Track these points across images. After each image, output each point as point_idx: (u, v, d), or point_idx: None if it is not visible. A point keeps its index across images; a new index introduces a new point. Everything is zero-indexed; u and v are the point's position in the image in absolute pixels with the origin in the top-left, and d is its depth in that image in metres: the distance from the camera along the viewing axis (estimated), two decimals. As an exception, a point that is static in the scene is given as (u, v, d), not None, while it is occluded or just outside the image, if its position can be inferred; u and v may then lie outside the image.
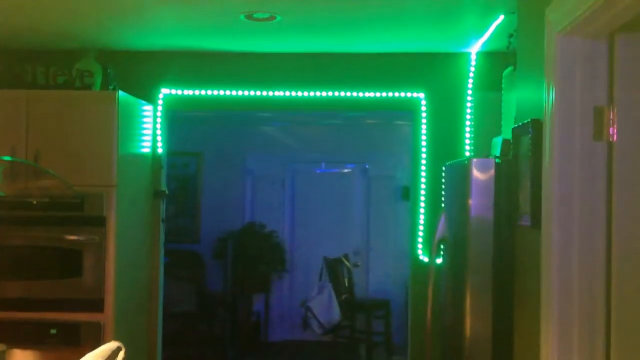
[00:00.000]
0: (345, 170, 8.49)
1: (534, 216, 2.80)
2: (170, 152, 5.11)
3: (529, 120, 2.86)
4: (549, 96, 2.66)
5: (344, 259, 7.78)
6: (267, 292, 8.12)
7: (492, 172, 3.32)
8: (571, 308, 2.59)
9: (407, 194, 7.87)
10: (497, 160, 3.39)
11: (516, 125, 3.15)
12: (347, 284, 7.68)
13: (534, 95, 2.91)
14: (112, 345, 2.32)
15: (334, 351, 7.60)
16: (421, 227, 4.96)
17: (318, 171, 8.47)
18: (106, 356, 2.29)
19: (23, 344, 3.65)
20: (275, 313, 8.23)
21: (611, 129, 2.57)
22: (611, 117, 2.57)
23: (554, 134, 2.61)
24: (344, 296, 7.56)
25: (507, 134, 3.95)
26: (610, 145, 2.58)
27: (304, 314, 7.52)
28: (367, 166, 8.38)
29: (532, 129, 2.82)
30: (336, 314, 7.43)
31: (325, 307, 7.44)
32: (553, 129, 2.61)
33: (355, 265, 8.06)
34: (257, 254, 7.89)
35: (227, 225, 7.96)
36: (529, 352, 2.98)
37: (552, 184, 2.61)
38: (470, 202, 3.35)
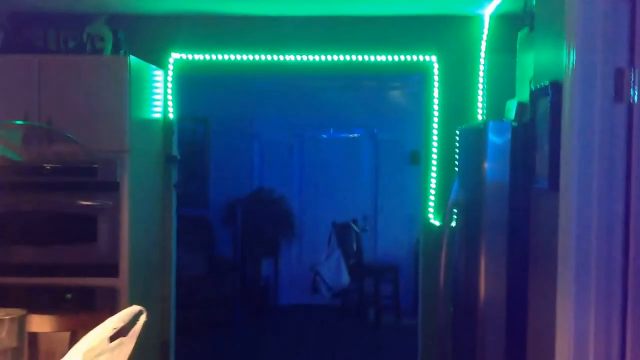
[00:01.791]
0: (354, 135, 8.47)
1: (552, 179, 2.79)
2: (179, 117, 5.09)
3: (548, 82, 2.84)
4: (569, 58, 2.63)
5: (352, 224, 7.80)
6: (276, 257, 8.17)
7: (508, 135, 3.31)
8: (588, 270, 2.59)
9: (416, 158, 7.86)
10: (513, 123, 3.37)
11: (534, 88, 3.12)
12: (355, 249, 7.72)
13: (553, 57, 2.88)
14: (133, 309, 2.32)
15: (343, 315, 7.66)
16: (432, 191, 4.96)
17: (326, 136, 8.44)
18: (128, 320, 2.30)
19: (39, 309, 3.67)
20: (284, 277, 8.28)
21: (632, 90, 2.54)
22: (632, 78, 2.54)
23: (574, 96, 2.59)
24: (352, 261, 7.61)
25: (522, 97, 3.93)
26: (630, 107, 2.56)
27: (313, 278, 7.56)
28: (375, 131, 8.35)
29: (551, 91, 2.80)
30: (345, 278, 7.48)
31: (334, 272, 7.49)
32: (573, 90, 2.59)
33: (364, 230, 8.09)
34: (265, 219, 7.91)
35: (235, 191, 7.97)
36: (544, 314, 2.99)
37: (572, 145, 2.59)
38: (486, 165, 3.34)
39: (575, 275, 2.57)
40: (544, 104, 2.92)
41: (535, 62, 3.31)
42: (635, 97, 2.54)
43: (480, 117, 4.81)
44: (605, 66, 2.57)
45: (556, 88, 2.78)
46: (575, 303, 2.57)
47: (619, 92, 2.55)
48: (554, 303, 2.76)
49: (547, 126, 2.87)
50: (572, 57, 2.61)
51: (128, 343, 2.25)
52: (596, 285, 2.59)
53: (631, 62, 2.55)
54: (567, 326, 2.62)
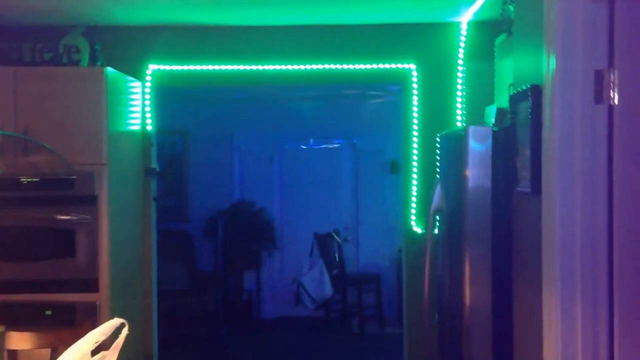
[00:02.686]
0: (334, 145, 8.46)
1: (534, 182, 2.79)
2: (157, 130, 5.05)
3: (529, 86, 2.84)
4: (549, 61, 2.64)
5: (334, 234, 7.78)
6: (258, 269, 8.11)
7: (489, 140, 3.30)
8: (574, 273, 2.58)
9: (396, 167, 7.88)
10: (494, 128, 3.37)
11: (514, 92, 3.13)
12: (337, 259, 7.69)
13: (533, 61, 2.89)
14: (115, 322, 2.27)
15: (327, 326, 7.62)
16: (414, 199, 4.95)
17: (306, 147, 8.43)
18: (110, 333, 2.25)
19: (19, 325, 3.61)
20: (266, 290, 8.22)
21: (612, 91, 2.55)
22: (612, 80, 2.55)
23: (554, 99, 2.59)
24: (334, 271, 7.58)
25: (501, 102, 3.94)
26: (611, 108, 2.56)
27: (296, 290, 7.52)
28: (355, 140, 8.35)
29: (531, 95, 2.80)
30: (328, 289, 7.45)
31: (317, 283, 7.47)
32: (554, 93, 2.59)
33: (346, 240, 8.07)
34: (247, 232, 7.86)
35: (216, 204, 7.92)
36: (530, 319, 2.98)
37: (553, 148, 2.59)
38: (467, 171, 3.33)
39: (560, 279, 2.56)
40: (524, 107, 2.92)
41: (515, 66, 3.32)
42: (616, 99, 2.55)
43: (459, 124, 4.82)
44: (585, 68, 2.57)
45: (536, 91, 2.78)
46: (561, 308, 2.56)
47: (599, 93, 2.56)
48: (539, 307, 2.75)
49: (527, 129, 2.87)
50: (552, 59, 2.61)
51: (110, 357, 2.20)
52: (582, 288, 2.58)
53: (610, 64, 2.56)
54: (554, 331, 2.61)
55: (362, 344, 7.19)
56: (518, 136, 3.06)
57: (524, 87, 2.91)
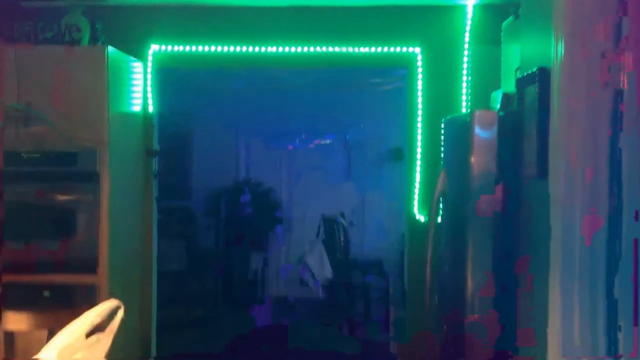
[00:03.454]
0: (340, 132, 8.44)
1: (541, 165, 2.75)
2: (161, 109, 4.99)
3: (536, 69, 2.79)
4: (557, 44, 2.59)
5: (340, 217, 7.78)
6: (265, 249, 8.11)
7: (495, 125, 3.26)
8: (575, 251, 2.55)
9: (400, 154, 7.82)
10: (500, 112, 3.33)
11: (521, 76, 3.07)
12: (343, 242, 7.69)
13: (541, 45, 2.84)
14: (111, 304, 2.25)
15: (331, 307, 7.60)
16: (417, 185, 4.90)
17: (305, 136, 8.42)
18: (105, 314, 2.22)
19: (16, 306, 3.59)
20: (271, 270, 8.25)
21: (621, 75, 2.50)
22: (619, 64, 2.50)
23: (563, 82, 2.54)
24: (339, 254, 7.57)
25: (507, 87, 3.88)
26: (619, 92, 2.52)
27: (301, 268, 7.53)
28: (361, 126, 8.30)
29: (539, 78, 2.75)
30: (328, 271, 7.45)
31: (318, 264, 7.46)
32: (562, 76, 2.55)
33: (351, 224, 8.07)
34: (254, 212, 7.85)
35: (221, 183, 7.92)
36: (535, 302, 2.94)
37: (561, 131, 2.55)
38: (473, 156, 3.29)
39: (564, 261, 2.53)
40: (532, 91, 2.87)
41: (522, 50, 3.26)
42: (625, 83, 2.50)
43: (464, 109, 4.76)
44: (592, 53, 2.52)
45: (544, 75, 2.74)
46: (562, 287, 2.52)
47: (607, 77, 2.51)
48: (544, 289, 2.71)
49: (535, 113, 2.82)
50: (560, 43, 2.56)
51: (105, 339, 2.17)
52: (580, 270, 2.55)
53: (617, 48, 2.51)
54: (557, 309, 2.58)
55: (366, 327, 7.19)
56: (525, 120, 3.01)
57: (531, 71, 2.85)
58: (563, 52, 2.53)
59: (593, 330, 2.51)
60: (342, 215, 7.89)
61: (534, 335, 2.91)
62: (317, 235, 7.60)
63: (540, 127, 2.74)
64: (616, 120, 2.49)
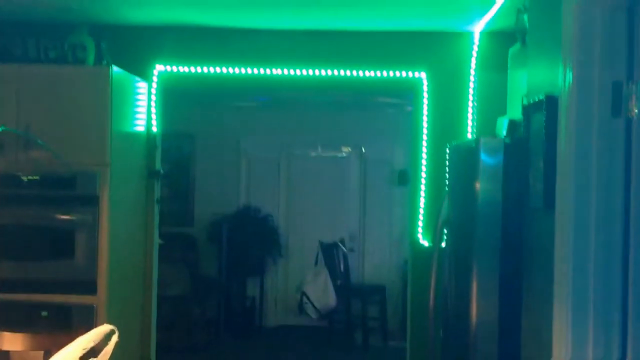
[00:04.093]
0: (341, 154, 8.36)
1: (547, 196, 2.69)
2: (163, 132, 4.97)
3: (543, 96, 2.75)
4: (565, 71, 2.54)
5: (339, 244, 7.67)
6: (262, 276, 8.01)
7: (501, 152, 3.21)
8: (587, 293, 2.48)
9: (404, 178, 7.78)
10: (506, 140, 3.28)
11: (528, 103, 3.03)
12: (342, 269, 7.58)
13: (548, 72, 2.80)
14: (105, 328, 2.20)
15: (330, 336, 7.50)
16: (421, 211, 4.85)
17: (314, 154, 8.33)
18: (99, 340, 2.17)
19: (13, 327, 3.53)
20: (270, 298, 8.12)
21: (630, 104, 2.45)
22: (631, 92, 2.45)
23: (571, 110, 2.49)
24: (339, 281, 7.46)
25: (513, 114, 3.84)
26: (629, 121, 2.47)
27: (300, 298, 7.40)
28: (363, 150, 8.25)
29: (546, 106, 2.71)
30: (332, 299, 7.33)
31: (321, 292, 7.34)
32: (570, 105, 2.50)
33: (351, 250, 7.95)
34: (252, 238, 7.76)
35: (221, 209, 7.83)
36: (538, 336, 2.88)
37: (569, 161, 2.49)
38: (478, 183, 3.24)
39: (572, 297, 2.46)
40: (539, 119, 2.83)
41: (529, 76, 3.23)
42: (634, 111, 2.45)
43: (470, 135, 4.72)
44: (602, 79, 2.48)
45: (551, 102, 2.69)
46: (572, 328, 2.45)
47: (617, 106, 2.46)
48: (549, 326, 2.65)
49: (541, 142, 2.77)
50: (569, 70, 2.52)
51: (99, 364, 2.12)
52: (594, 308, 2.48)
53: (630, 76, 2.47)
54: (565, 350, 2.51)
55: (365, 357, 7.07)
56: (531, 149, 2.96)
57: (539, 98, 2.81)
58: (572, 80, 2.49)
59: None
60: (342, 240, 7.81)
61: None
62: (316, 263, 7.50)
63: (547, 157, 2.68)
64: (629, 151, 2.44)
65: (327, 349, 7.24)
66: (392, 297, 7.74)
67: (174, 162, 7.50)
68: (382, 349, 7.31)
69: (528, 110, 3.01)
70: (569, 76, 2.52)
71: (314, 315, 7.39)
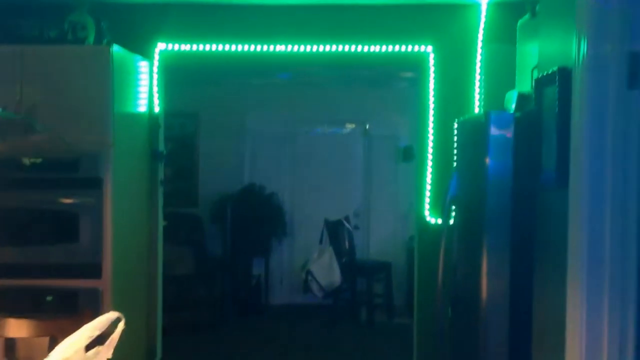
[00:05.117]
0: (346, 130, 8.29)
1: (561, 173, 2.63)
2: (166, 111, 4.90)
3: (556, 69, 2.67)
4: (579, 43, 2.47)
5: (344, 222, 7.62)
6: (267, 255, 7.97)
7: (511, 127, 3.15)
8: (602, 269, 2.44)
9: (409, 154, 7.70)
10: (516, 114, 3.21)
11: (540, 76, 2.95)
12: (347, 247, 7.54)
13: (561, 43, 2.72)
14: (111, 315, 2.15)
15: (335, 314, 7.48)
16: (428, 187, 4.79)
17: (318, 131, 8.26)
18: (105, 327, 2.13)
19: (18, 312, 3.49)
20: (275, 276, 8.09)
21: (648, 76, 2.39)
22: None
23: (585, 83, 2.43)
24: (344, 259, 7.43)
25: (522, 87, 3.77)
26: (647, 94, 2.40)
27: (305, 277, 7.37)
28: (367, 126, 8.17)
29: (559, 78, 2.63)
30: (337, 277, 7.30)
31: (326, 271, 7.31)
32: (584, 77, 2.43)
33: (356, 228, 7.90)
34: (256, 217, 7.71)
35: (226, 188, 7.77)
36: (551, 315, 2.83)
37: (583, 136, 2.43)
38: (488, 159, 3.18)
39: (587, 274, 2.41)
40: (551, 92, 2.75)
41: (540, 48, 3.15)
42: (652, 84, 2.38)
43: (477, 110, 4.64)
44: (619, 51, 2.41)
45: (564, 75, 2.62)
46: (587, 304, 2.41)
47: (634, 78, 2.39)
48: (562, 303, 2.60)
49: (554, 116, 2.70)
50: (583, 42, 2.44)
51: (105, 352, 2.08)
52: (610, 285, 2.43)
53: (646, 46, 2.39)
54: (579, 327, 2.46)
55: (371, 334, 7.06)
56: (543, 123, 2.89)
57: (552, 70, 2.74)
58: (586, 50, 2.41)
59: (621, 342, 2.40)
60: (347, 218, 7.76)
61: (548, 347, 2.80)
62: (321, 241, 7.46)
63: (561, 132, 2.62)
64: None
65: (332, 326, 7.21)
66: (397, 274, 7.70)
67: (177, 141, 7.42)
68: (387, 326, 7.28)
69: (540, 83, 2.94)
70: (584, 47, 2.45)
71: (319, 293, 7.36)
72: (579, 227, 2.45)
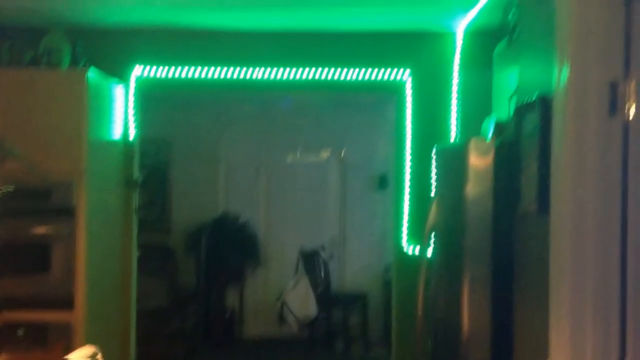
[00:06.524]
0: (321, 159, 8.25)
1: (542, 200, 2.62)
2: (140, 138, 4.83)
3: (536, 97, 2.68)
4: (561, 70, 2.47)
5: (320, 251, 7.55)
6: (242, 286, 7.86)
7: (491, 155, 3.14)
8: (584, 296, 2.40)
9: (384, 182, 7.69)
10: (496, 142, 3.20)
11: (519, 103, 2.96)
12: (323, 276, 7.47)
13: (541, 71, 2.73)
14: (87, 350, 2.10)
15: (311, 346, 7.37)
16: (405, 217, 4.76)
17: (292, 160, 8.21)
18: (82, 361, 2.07)
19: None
20: (249, 308, 7.96)
21: (627, 104, 2.39)
22: (628, 92, 2.38)
23: (566, 111, 2.42)
24: (319, 289, 7.35)
25: (499, 114, 3.78)
26: (626, 121, 2.40)
27: (280, 308, 7.26)
28: (342, 153, 8.15)
29: (540, 106, 2.64)
30: (313, 308, 7.20)
31: (302, 301, 7.21)
32: (566, 105, 2.42)
33: (331, 258, 7.83)
34: (230, 246, 7.62)
35: (199, 216, 7.68)
36: (533, 344, 2.80)
37: (565, 163, 2.42)
38: (468, 188, 3.16)
39: (570, 304, 2.38)
40: (531, 119, 2.76)
41: (520, 75, 3.15)
42: (631, 112, 2.38)
43: (454, 136, 4.65)
44: (599, 79, 2.40)
45: (545, 102, 2.62)
46: (570, 332, 2.37)
47: (614, 105, 2.39)
48: (544, 334, 2.57)
49: (535, 144, 2.70)
50: (565, 69, 2.45)
51: (82, 386, 2.01)
52: (593, 312, 2.40)
53: (626, 75, 2.40)
54: (563, 356, 2.43)
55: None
56: (523, 151, 2.89)
57: (531, 98, 2.74)
58: (568, 79, 2.41)
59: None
60: (322, 247, 7.70)
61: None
62: (296, 271, 7.38)
63: (542, 159, 2.61)
64: (625, 150, 2.36)
65: (308, 359, 7.10)
66: (373, 304, 7.63)
67: (150, 169, 7.32)
68: (364, 358, 7.20)
69: (520, 110, 2.94)
70: (565, 74, 2.45)
71: (294, 325, 7.25)
72: (562, 252, 2.43)
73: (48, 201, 3.92)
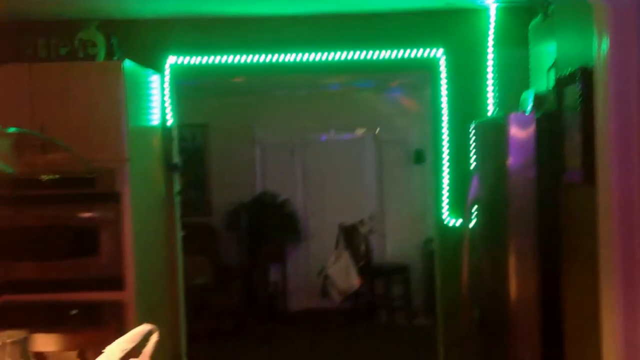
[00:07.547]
0: (356, 136, 8.27)
1: (587, 171, 2.62)
2: (178, 123, 4.90)
3: (577, 68, 2.66)
4: (601, 42, 2.46)
5: (359, 225, 7.61)
6: (284, 262, 7.97)
7: (532, 127, 3.13)
8: (635, 266, 2.41)
9: (420, 157, 7.70)
10: (536, 114, 3.20)
11: (559, 76, 2.94)
12: (364, 250, 7.54)
13: (580, 43, 2.71)
14: (144, 328, 2.16)
15: (354, 318, 7.47)
16: (445, 190, 4.78)
17: (328, 137, 8.25)
18: (138, 340, 2.14)
19: (44, 327, 3.49)
20: (292, 282, 8.08)
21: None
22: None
23: (609, 81, 2.41)
24: (361, 262, 7.43)
25: (538, 87, 3.76)
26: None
27: (323, 282, 7.36)
28: (378, 130, 8.15)
29: (580, 78, 2.62)
30: (355, 280, 7.29)
31: (344, 274, 7.31)
32: (608, 76, 2.41)
33: (371, 231, 7.88)
34: (271, 224, 7.71)
35: (238, 197, 7.78)
36: (583, 312, 2.81)
37: (610, 134, 2.41)
38: (509, 160, 3.17)
39: (621, 272, 2.39)
40: (572, 92, 2.74)
41: (558, 49, 3.13)
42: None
43: (490, 111, 4.63)
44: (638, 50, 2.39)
45: (586, 74, 2.61)
46: (623, 303, 2.39)
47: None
48: (594, 300, 2.58)
49: (576, 115, 2.69)
50: (605, 40, 2.43)
51: (140, 366, 2.08)
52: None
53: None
54: (615, 322, 2.44)
55: (391, 336, 7.04)
56: (565, 122, 2.88)
57: (571, 70, 2.73)
58: (608, 50, 2.40)
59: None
60: (362, 222, 7.75)
61: (581, 344, 2.78)
62: (336, 246, 7.45)
63: (585, 132, 2.60)
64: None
65: (352, 330, 7.20)
66: (415, 276, 7.68)
67: (188, 153, 7.43)
68: (407, 328, 7.26)
69: (560, 82, 2.92)
70: (605, 46, 2.44)
71: (337, 297, 7.35)
72: (610, 222, 2.44)
73: (93, 188, 4.00)
